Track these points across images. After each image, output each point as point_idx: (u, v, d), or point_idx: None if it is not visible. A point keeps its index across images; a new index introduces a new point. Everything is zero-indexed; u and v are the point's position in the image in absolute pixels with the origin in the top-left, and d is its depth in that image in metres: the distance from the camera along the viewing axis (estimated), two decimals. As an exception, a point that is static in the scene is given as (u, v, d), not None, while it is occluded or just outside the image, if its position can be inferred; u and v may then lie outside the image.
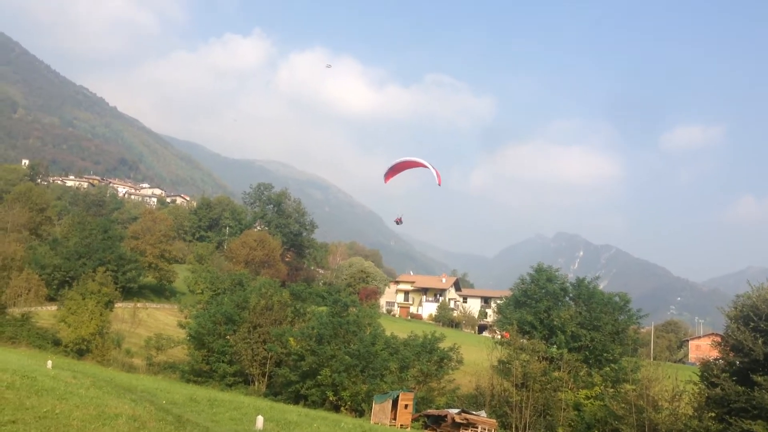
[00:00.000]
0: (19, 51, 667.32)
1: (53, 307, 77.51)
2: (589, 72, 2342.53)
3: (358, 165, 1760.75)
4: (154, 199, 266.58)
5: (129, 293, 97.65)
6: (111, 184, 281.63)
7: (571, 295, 61.97)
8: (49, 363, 32.69)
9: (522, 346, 50.23)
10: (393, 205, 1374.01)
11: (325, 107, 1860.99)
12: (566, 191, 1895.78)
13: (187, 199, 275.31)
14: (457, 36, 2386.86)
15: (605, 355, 52.88)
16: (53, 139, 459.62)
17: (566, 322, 53.72)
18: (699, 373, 40.14)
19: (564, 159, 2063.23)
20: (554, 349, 52.13)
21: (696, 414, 37.91)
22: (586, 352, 52.88)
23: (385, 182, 48.79)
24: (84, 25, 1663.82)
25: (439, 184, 45.65)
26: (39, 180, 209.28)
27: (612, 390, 46.95)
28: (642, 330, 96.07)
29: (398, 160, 46.52)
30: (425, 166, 44.90)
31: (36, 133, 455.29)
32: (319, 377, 46.48)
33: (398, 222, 51.93)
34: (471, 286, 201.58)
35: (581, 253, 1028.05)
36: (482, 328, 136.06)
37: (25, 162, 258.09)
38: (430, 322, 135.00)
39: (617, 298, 58.76)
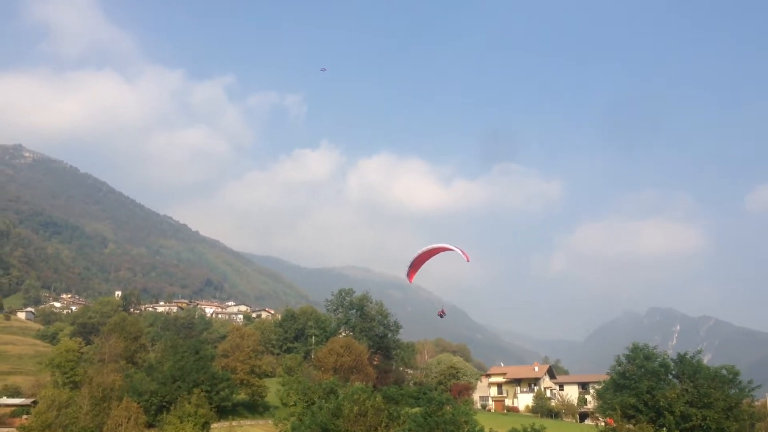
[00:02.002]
0: (106, 190, 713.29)
1: (153, 434, 79.07)
2: (655, 144, 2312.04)
3: (434, 262, 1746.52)
4: (240, 316, 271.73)
5: (224, 412, 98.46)
6: (199, 306, 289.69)
7: (674, 372, 59.19)
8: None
9: (629, 431, 47.92)
10: (475, 298, 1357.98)
11: (396, 208, 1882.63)
12: (651, 265, 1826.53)
13: (272, 312, 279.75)
14: (520, 125, 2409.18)
15: (720, 433, 49.81)
16: (142, 269, 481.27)
17: (673, 401, 51.22)
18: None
19: (643, 232, 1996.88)
20: (664, 431, 49.46)
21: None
22: (700, 432, 49.94)
23: (410, 281, 48.79)
24: (163, 159, 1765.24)
25: (468, 261, 45.28)
26: (131, 309, 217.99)
27: (734, 470, 43.96)
28: (757, 403, 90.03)
29: (416, 254, 46.39)
30: (448, 249, 44.69)
31: (126, 264, 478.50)
32: (420, 482, 45.28)
33: (441, 314, 51.74)
34: (565, 373, 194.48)
35: (678, 327, 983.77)
36: (583, 416, 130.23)
37: (118, 293, 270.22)
38: (528, 413, 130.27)
39: (725, 371, 55.88)
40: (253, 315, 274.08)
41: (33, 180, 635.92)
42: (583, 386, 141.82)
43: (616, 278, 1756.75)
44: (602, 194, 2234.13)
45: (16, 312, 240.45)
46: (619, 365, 61.19)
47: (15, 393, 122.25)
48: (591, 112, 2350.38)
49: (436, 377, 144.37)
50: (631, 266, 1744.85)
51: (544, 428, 50.94)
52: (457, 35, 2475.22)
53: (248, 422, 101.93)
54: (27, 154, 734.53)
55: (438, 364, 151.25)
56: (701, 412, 50.36)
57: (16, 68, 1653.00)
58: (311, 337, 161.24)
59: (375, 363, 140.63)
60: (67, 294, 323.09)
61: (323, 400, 77.22)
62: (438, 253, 46.21)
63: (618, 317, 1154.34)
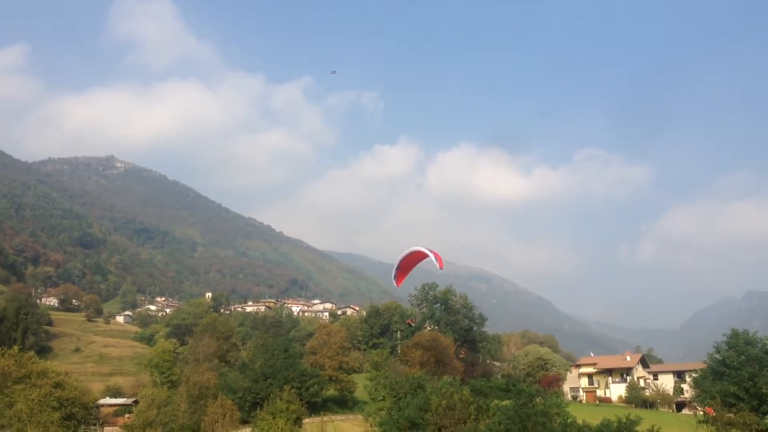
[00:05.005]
0: (193, 195, 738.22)
1: (247, 430, 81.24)
2: (749, 122, 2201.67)
3: (518, 252, 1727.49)
4: (326, 314, 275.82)
5: (314, 408, 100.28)
6: (285, 305, 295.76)
7: (776, 358, 56.43)
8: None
9: (730, 420, 45.96)
10: (561, 288, 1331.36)
11: (477, 200, 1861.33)
12: (747, 248, 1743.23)
13: (357, 309, 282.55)
14: (597, 109, 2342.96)
15: (831, 421, 47.07)
16: (230, 270, 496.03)
17: (777, 388, 48.72)
18: None
19: (739, 214, 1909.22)
20: (768, 420, 47.17)
21: None
22: (808, 420, 47.33)
23: (398, 285, 48.32)
24: (246, 163, 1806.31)
25: (441, 268, 44.76)
26: (222, 310, 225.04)
27: None
28: None
29: (400, 258, 45.84)
30: (426, 255, 44.07)
31: (215, 267, 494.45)
32: (513, 475, 44.79)
33: (410, 324, 50.95)
34: (659, 362, 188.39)
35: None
36: (680, 406, 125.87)
37: (209, 295, 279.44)
38: (621, 404, 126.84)
39: (832, 356, 52.78)
40: (339, 312, 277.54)
41: (125, 189, 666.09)
42: (679, 375, 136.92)
43: (710, 263, 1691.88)
44: (692, 176, 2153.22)
45: (115, 316, 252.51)
46: (718, 352, 58.65)
47: (117, 393, 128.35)
48: (676, 92, 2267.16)
49: (524, 369, 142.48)
50: (725, 250, 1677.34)
51: (640, 418, 49.35)
52: (537, 29, 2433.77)
53: (338, 417, 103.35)
54: (119, 165, 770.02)
55: (526, 355, 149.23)
56: (809, 399, 47.69)
57: (105, 83, 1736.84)
58: (397, 332, 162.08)
59: (461, 356, 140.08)
60: (161, 297, 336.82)
61: (411, 395, 77.46)
62: (423, 259, 46.10)
63: (713, 304, 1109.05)
